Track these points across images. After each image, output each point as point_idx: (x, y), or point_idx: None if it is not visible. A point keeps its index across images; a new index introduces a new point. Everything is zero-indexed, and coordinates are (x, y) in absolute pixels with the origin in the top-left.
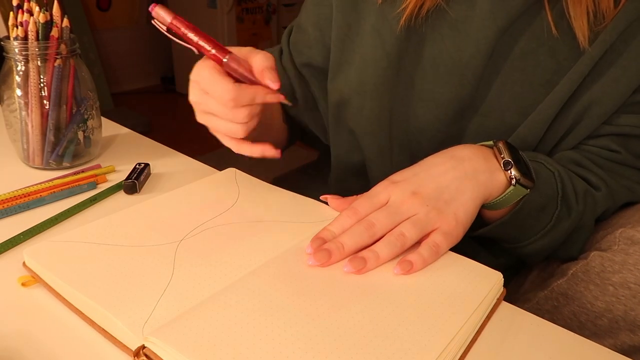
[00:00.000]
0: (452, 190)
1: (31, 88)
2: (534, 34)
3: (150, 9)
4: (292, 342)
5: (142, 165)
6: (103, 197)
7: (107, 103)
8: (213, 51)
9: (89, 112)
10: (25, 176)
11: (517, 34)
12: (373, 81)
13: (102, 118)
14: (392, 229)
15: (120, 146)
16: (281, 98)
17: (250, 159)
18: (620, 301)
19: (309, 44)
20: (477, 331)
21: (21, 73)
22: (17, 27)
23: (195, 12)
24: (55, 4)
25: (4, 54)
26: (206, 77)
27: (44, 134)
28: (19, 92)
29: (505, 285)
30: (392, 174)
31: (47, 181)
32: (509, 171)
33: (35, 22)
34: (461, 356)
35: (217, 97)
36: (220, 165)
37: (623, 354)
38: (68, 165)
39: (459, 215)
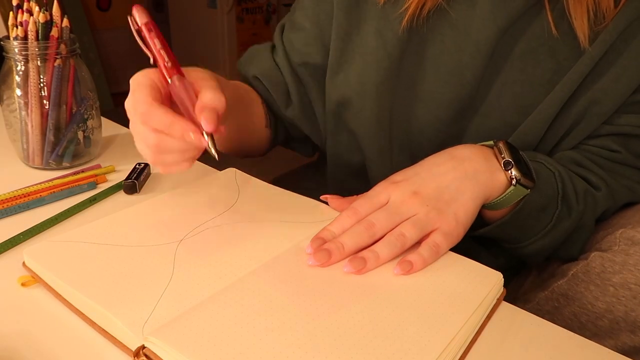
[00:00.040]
0: (453, 191)
1: (31, 88)
2: (534, 34)
3: (133, 7)
4: (292, 342)
5: (142, 165)
6: (103, 197)
7: (107, 103)
8: (169, 64)
9: (89, 112)
10: (25, 176)
11: (518, 34)
12: (374, 82)
13: (102, 118)
14: (392, 229)
15: (120, 146)
16: (204, 144)
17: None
18: (621, 302)
19: (307, 42)
20: (477, 331)
21: (21, 73)
22: (17, 27)
23: (195, 12)
24: (55, 4)
25: (4, 54)
26: (139, 90)
27: (43, 134)
28: (18, 92)
29: (505, 285)
30: (392, 174)
31: (47, 181)
32: (509, 171)
33: (35, 22)
34: (461, 356)
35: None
36: (220, 165)
37: (624, 355)
38: (68, 165)
39: (459, 216)
